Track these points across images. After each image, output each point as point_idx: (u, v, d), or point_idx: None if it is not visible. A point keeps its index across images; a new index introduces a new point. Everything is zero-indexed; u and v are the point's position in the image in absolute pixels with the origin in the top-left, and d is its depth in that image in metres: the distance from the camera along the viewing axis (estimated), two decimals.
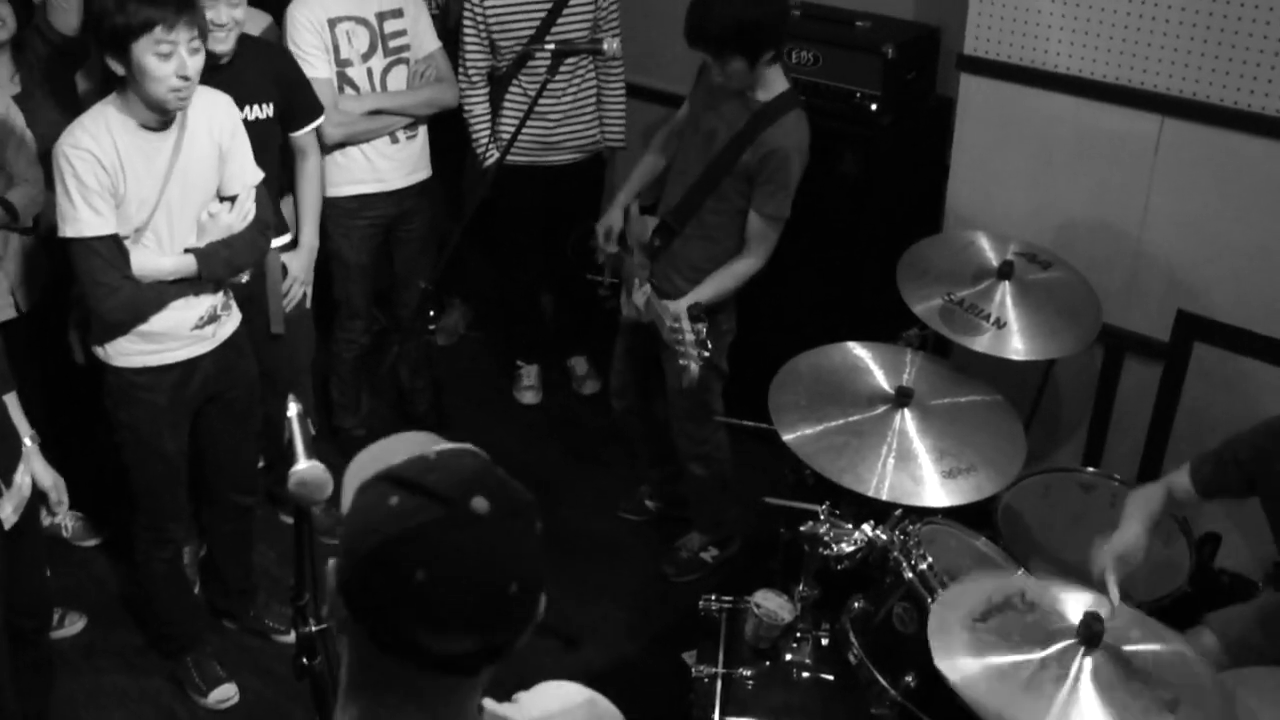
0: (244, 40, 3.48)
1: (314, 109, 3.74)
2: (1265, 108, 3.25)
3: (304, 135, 3.75)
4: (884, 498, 2.87)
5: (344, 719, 1.33)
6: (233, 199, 3.20)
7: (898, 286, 3.38)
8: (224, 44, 3.38)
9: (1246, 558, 3.41)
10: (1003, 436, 3.09)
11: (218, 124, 3.16)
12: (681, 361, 3.20)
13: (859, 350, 3.28)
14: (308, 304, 3.88)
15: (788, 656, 3.01)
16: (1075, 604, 2.42)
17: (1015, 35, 3.60)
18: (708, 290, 3.45)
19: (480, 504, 1.24)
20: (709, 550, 4.10)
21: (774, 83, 3.39)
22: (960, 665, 2.30)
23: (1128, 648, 2.33)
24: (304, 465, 2.00)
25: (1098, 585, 2.61)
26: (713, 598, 3.19)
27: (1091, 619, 2.31)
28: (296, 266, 3.79)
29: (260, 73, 3.56)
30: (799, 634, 3.02)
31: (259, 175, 3.28)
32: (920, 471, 2.93)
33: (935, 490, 2.90)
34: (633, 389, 3.99)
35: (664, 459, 4.09)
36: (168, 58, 2.85)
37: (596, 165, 4.59)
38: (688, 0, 3.25)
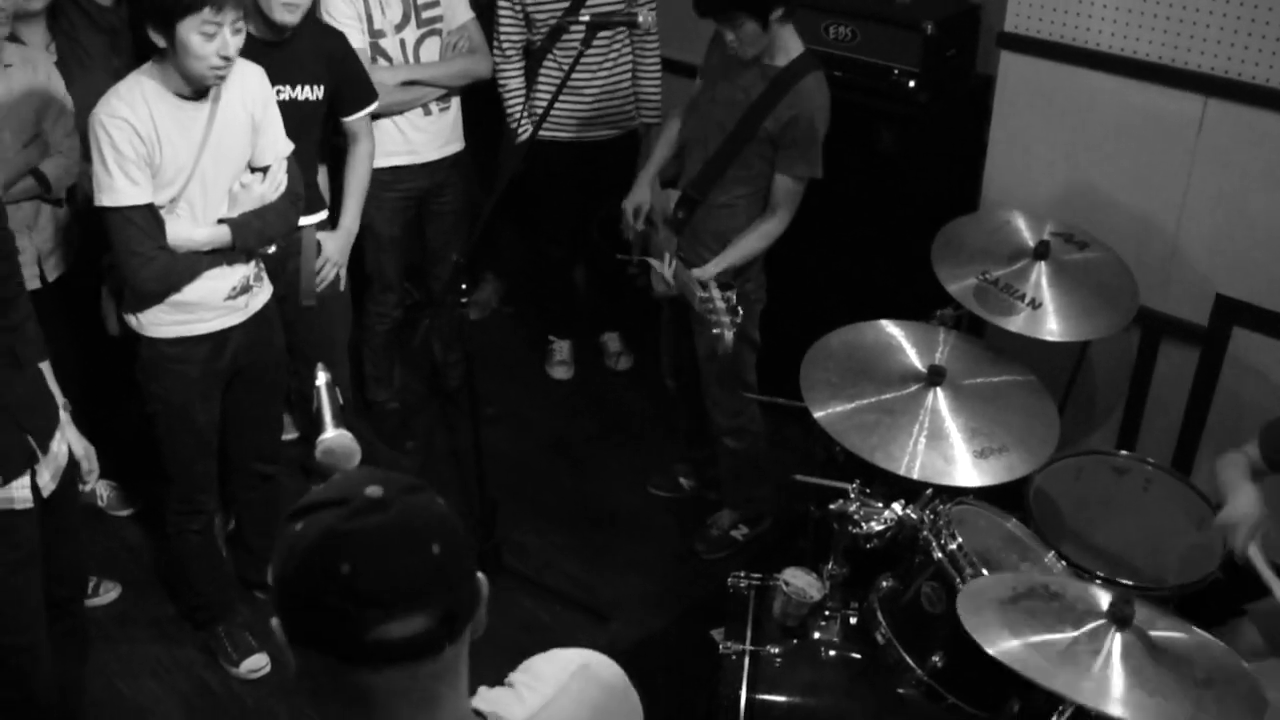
0: (304, 20, 3.48)
1: (368, 95, 3.74)
2: None
3: (356, 120, 3.75)
4: (915, 476, 2.85)
5: None
6: (265, 170, 3.21)
7: (933, 265, 3.35)
8: (293, 15, 3.40)
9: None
10: (1035, 417, 3.06)
11: (250, 95, 3.17)
12: (715, 330, 3.19)
13: (892, 328, 3.25)
14: (341, 285, 3.88)
15: (816, 635, 2.99)
16: (1101, 594, 2.41)
17: (1057, 12, 3.55)
18: (735, 254, 3.45)
19: (374, 490, 1.26)
20: (739, 528, 4.09)
21: (790, 46, 3.37)
22: (995, 638, 2.29)
23: (1155, 633, 2.32)
24: (331, 434, 2.02)
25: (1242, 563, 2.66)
26: (741, 575, 3.18)
27: (1122, 601, 2.30)
28: (332, 247, 3.77)
29: (315, 54, 3.56)
30: (827, 612, 3.01)
31: (290, 146, 3.28)
32: (952, 451, 2.90)
33: (967, 470, 2.87)
34: (683, 366, 3.98)
35: (707, 438, 4.09)
36: (212, 38, 2.86)
37: (632, 141, 4.57)
38: None
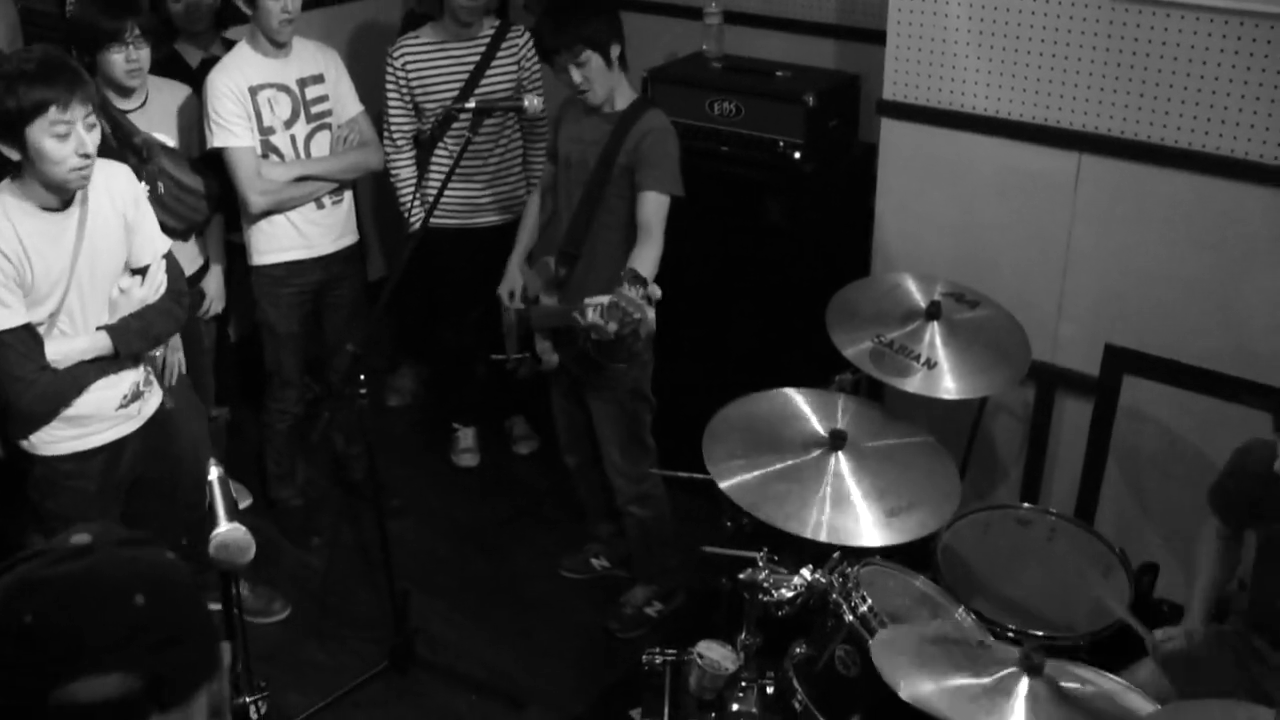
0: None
1: None
2: (1178, 141, 3.30)
3: None
4: (823, 539, 2.85)
5: None
6: (144, 271, 3.14)
7: (828, 331, 3.38)
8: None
9: (1185, 588, 3.42)
10: (937, 475, 3.09)
11: (119, 195, 3.09)
12: (635, 316, 3.09)
13: (791, 396, 3.27)
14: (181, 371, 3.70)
15: (734, 707, 2.96)
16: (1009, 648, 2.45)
17: (933, 78, 3.65)
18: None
19: (80, 538, 1.17)
20: (653, 605, 4.06)
21: (627, 93, 3.55)
22: (911, 681, 2.30)
23: (1066, 684, 2.35)
24: (224, 528, 1.96)
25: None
26: (655, 651, 3.16)
27: (1032, 650, 2.32)
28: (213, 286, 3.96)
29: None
30: (744, 683, 2.98)
31: (167, 244, 3.23)
32: (859, 512, 2.91)
33: (877, 530, 2.87)
34: (582, 440, 3.96)
35: (613, 512, 4.07)
36: (65, 138, 2.78)
37: None
38: None
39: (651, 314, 3.14)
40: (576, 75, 3.43)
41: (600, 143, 3.51)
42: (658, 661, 3.14)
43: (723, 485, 2.96)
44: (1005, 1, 3.45)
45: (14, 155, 2.80)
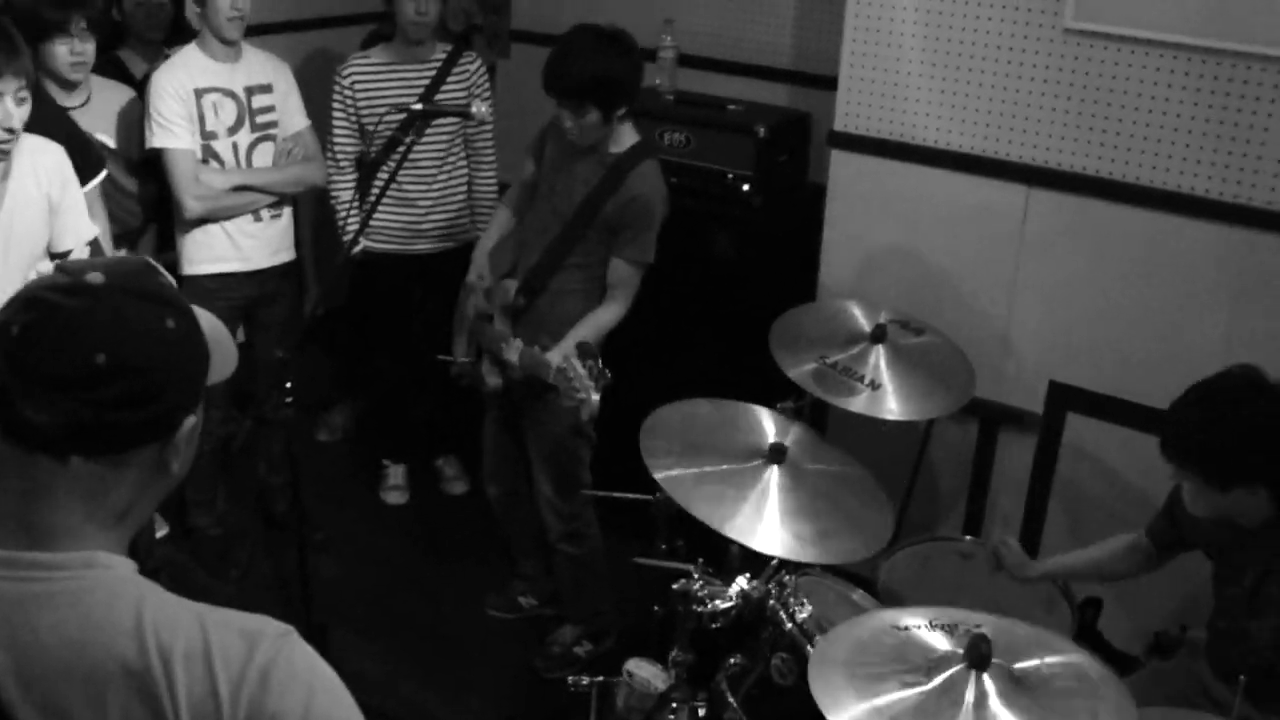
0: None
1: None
2: (1126, 175, 3.32)
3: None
4: (762, 549, 2.76)
5: None
6: (64, 256, 3.03)
7: (771, 354, 3.32)
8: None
9: (1126, 629, 3.35)
10: (872, 507, 2.99)
11: (45, 173, 3.00)
12: (579, 396, 3.09)
13: (737, 407, 3.18)
14: None
15: None
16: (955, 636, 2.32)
17: (884, 110, 3.65)
18: (582, 333, 3.36)
19: (95, 277, 1.26)
20: (582, 644, 3.91)
21: (626, 137, 3.42)
22: (843, 706, 2.17)
23: (1019, 665, 2.23)
24: None
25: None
26: (583, 677, 3.05)
27: (979, 640, 2.21)
28: None
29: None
30: (674, 704, 2.86)
31: (94, 231, 3.12)
32: (795, 528, 2.81)
33: (809, 547, 2.77)
34: (507, 469, 3.85)
35: (539, 548, 3.93)
36: None
37: (466, 254, 4.50)
38: None
39: (596, 398, 3.10)
40: (569, 123, 3.31)
41: (589, 183, 3.39)
42: (584, 683, 3.02)
43: (658, 476, 2.85)
44: (958, 35, 3.48)
45: None
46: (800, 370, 3.28)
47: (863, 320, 3.44)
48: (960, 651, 2.23)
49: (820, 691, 2.23)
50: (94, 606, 1.25)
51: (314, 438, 5.05)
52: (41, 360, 1.20)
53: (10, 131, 2.77)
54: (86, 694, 1.22)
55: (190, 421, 1.32)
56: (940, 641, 2.30)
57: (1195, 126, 3.21)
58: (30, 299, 1.24)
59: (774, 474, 2.92)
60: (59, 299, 1.23)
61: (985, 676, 2.18)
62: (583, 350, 3.11)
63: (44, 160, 3.00)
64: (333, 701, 1.32)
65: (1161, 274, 3.33)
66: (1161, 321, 3.35)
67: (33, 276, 2.87)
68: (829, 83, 3.86)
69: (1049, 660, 2.27)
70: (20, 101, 2.78)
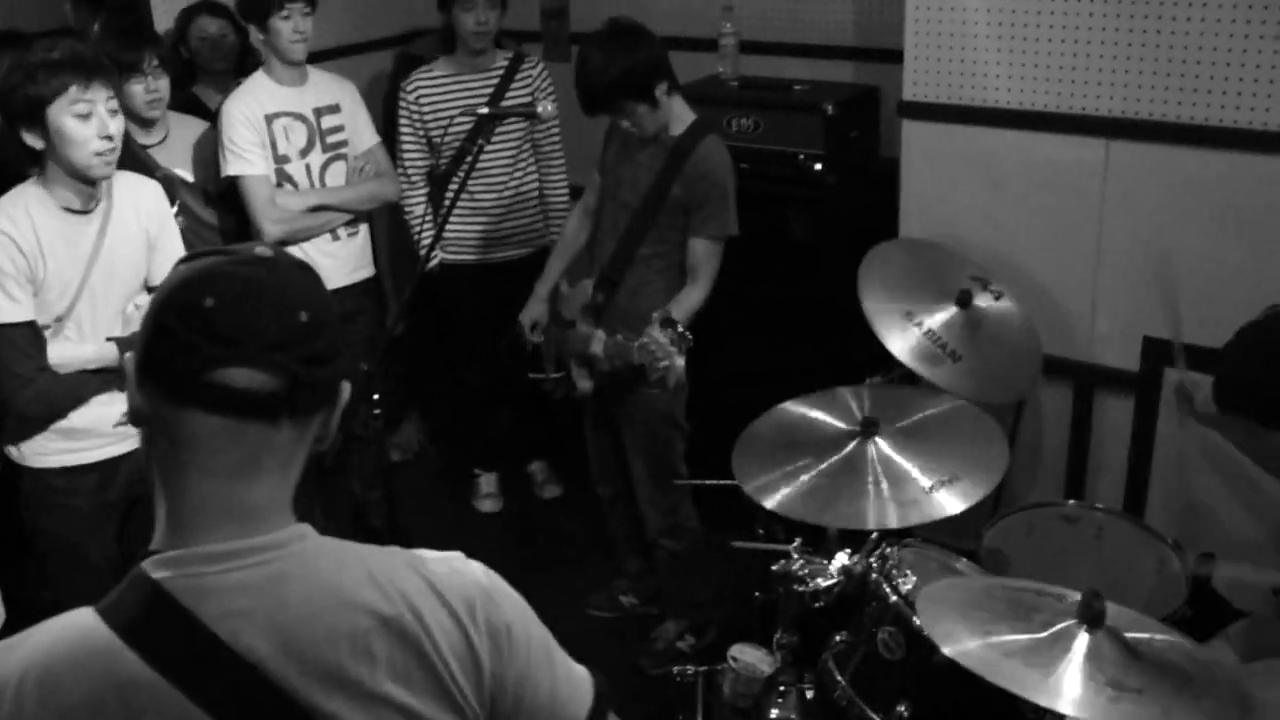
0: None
1: None
2: (1208, 118, 3.22)
3: None
4: (880, 526, 2.72)
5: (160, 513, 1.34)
6: None
7: (860, 303, 3.32)
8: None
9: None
10: (980, 439, 2.95)
11: (145, 210, 3.07)
12: (664, 363, 3.06)
13: (803, 406, 3.14)
14: None
15: (772, 713, 2.80)
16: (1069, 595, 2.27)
17: (953, 75, 3.59)
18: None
19: (263, 250, 1.30)
20: (685, 639, 3.90)
21: (683, 115, 3.43)
22: (954, 638, 2.14)
23: (1131, 634, 2.17)
24: None
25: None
26: (688, 667, 3.02)
27: (1093, 595, 2.15)
28: None
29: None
30: (781, 687, 2.82)
31: None
32: (909, 492, 2.77)
33: (928, 506, 2.74)
34: (613, 470, 3.85)
35: (641, 546, 3.94)
36: (87, 118, 2.78)
37: (543, 259, 4.50)
38: None
39: (681, 361, 3.07)
40: (625, 123, 3.37)
41: (654, 169, 3.41)
42: (689, 672, 2.99)
43: (768, 505, 2.82)
44: None
45: (38, 144, 2.79)
46: (893, 334, 3.28)
47: (950, 273, 3.44)
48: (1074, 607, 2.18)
49: (931, 624, 2.22)
50: (328, 571, 1.32)
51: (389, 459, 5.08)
52: (252, 324, 1.22)
53: (109, 139, 2.81)
54: (354, 650, 1.28)
55: (347, 388, 1.35)
56: (1051, 602, 2.25)
57: (1278, 60, 3.10)
58: (210, 274, 1.25)
59: (875, 446, 2.89)
60: (244, 270, 1.25)
61: (1097, 634, 2.13)
62: (663, 321, 3.10)
63: (143, 197, 3.08)
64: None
65: (1252, 217, 3.22)
66: (1254, 267, 3.24)
67: (130, 310, 2.96)
68: (894, 56, 3.80)
69: (1159, 638, 2.21)
70: (113, 113, 2.83)
